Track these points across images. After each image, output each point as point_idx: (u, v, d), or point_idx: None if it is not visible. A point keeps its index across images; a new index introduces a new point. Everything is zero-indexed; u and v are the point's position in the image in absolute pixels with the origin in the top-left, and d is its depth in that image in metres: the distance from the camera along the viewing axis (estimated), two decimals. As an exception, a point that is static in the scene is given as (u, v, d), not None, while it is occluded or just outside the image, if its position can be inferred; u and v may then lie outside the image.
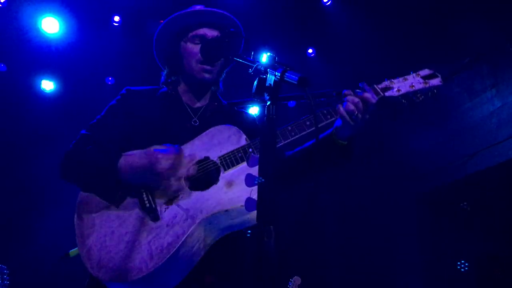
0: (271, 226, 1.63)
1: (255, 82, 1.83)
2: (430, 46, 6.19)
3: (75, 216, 2.36)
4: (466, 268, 6.19)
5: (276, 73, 1.78)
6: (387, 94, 2.45)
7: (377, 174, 7.41)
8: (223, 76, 2.81)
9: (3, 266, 4.32)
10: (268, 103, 1.74)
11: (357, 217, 7.39)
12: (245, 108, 3.05)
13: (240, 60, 2.16)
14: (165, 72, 2.82)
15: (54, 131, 6.73)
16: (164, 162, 2.27)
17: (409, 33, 6.19)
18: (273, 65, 1.83)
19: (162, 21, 2.74)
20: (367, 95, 2.35)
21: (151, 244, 2.19)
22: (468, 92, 6.17)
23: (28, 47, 6.30)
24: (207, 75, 2.64)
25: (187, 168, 2.34)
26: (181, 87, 2.77)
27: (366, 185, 7.40)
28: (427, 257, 6.80)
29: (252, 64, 1.99)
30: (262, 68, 1.86)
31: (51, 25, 6.10)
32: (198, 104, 2.75)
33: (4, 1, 5.86)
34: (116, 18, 6.39)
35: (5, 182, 6.56)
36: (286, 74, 1.75)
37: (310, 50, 7.07)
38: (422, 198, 7.08)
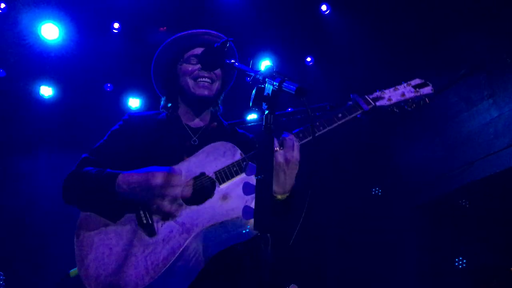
0: (268, 234, 1.65)
1: (253, 92, 1.84)
2: (428, 56, 6.24)
3: (75, 236, 2.40)
4: (464, 265, 6.19)
5: (274, 83, 1.80)
6: (378, 104, 2.48)
7: (375, 183, 7.43)
8: (221, 98, 2.85)
9: (-1, 272, 4.33)
10: (266, 112, 1.76)
11: (356, 226, 7.39)
12: (247, 127, 3.07)
13: (240, 68, 2.18)
14: (164, 98, 2.88)
15: (52, 137, 6.74)
16: (159, 178, 2.30)
17: (407, 43, 6.23)
18: (271, 75, 1.84)
19: (161, 29, 2.79)
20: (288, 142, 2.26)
21: (147, 259, 2.23)
22: (466, 101, 6.20)
23: (27, 53, 6.30)
24: (206, 91, 2.67)
25: (182, 188, 2.36)
26: (181, 109, 2.80)
27: (364, 194, 7.42)
28: (426, 267, 6.80)
29: (251, 73, 2.00)
30: (261, 78, 1.88)
31: (50, 31, 6.11)
32: (197, 124, 2.78)
33: (4, 7, 5.87)
34: (116, 25, 6.41)
35: (3, 187, 6.55)
36: (284, 84, 1.78)
37: (308, 59, 7.11)
38: (420, 208, 7.09)
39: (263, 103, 1.81)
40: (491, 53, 5.71)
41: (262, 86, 1.85)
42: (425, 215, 7.03)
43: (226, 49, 2.48)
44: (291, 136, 2.27)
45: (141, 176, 2.34)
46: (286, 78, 1.80)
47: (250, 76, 2.00)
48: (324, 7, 6.44)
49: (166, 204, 2.32)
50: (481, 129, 5.90)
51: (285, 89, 1.77)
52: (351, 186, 7.48)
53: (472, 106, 6.09)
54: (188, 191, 2.37)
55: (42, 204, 6.43)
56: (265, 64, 6.76)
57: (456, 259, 6.32)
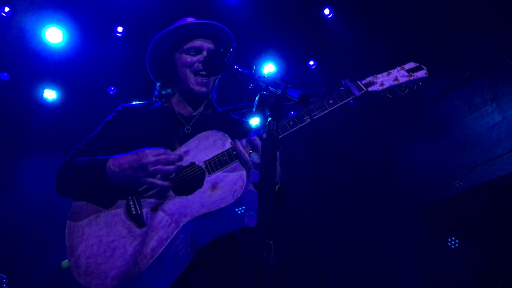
0: (271, 241, 1.64)
1: (257, 98, 1.85)
2: (432, 59, 6.20)
3: (66, 226, 2.40)
4: (456, 245, 6.15)
5: (278, 90, 1.82)
6: (370, 89, 2.48)
7: (377, 187, 7.41)
8: (216, 85, 2.85)
9: (2, 275, 4.33)
10: (269, 119, 1.76)
11: (356, 229, 7.38)
12: (241, 113, 3.06)
13: (244, 74, 2.19)
14: (158, 85, 2.87)
15: (56, 140, 6.76)
16: (150, 156, 2.31)
17: (410, 46, 6.22)
18: (274, 82, 1.85)
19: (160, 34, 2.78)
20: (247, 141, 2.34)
21: (136, 250, 2.22)
22: (469, 105, 6.18)
23: (31, 56, 6.33)
24: (204, 89, 2.68)
25: (174, 167, 2.35)
26: (175, 99, 2.80)
27: (366, 197, 7.40)
28: (426, 271, 6.78)
29: (254, 80, 2.01)
30: (264, 85, 1.89)
31: (54, 35, 6.13)
32: (191, 113, 2.78)
33: (8, 11, 5.89)
34: (119, 29, 6.43)
35: (7, 190, 6.56)
36: (287, 91, 1.80)
37: (311, 62, 7.11)
38: (421, 211, 7.07)
39: (266, 109, 1.82)
40: (494, 56, 5.69)
41: (265, 92, 1.86)
42: (426, 217, 7.01)
43: (229, 54, 2.49)
44: (255, 136, 2.30)
45: (131, 156, 2.35)
46: (289, 86, 1.82)
47: (253, 82, 2.00)
48: (326, 11, 6.45)
49: (158, 181, 2.32)
50: (484, 133, 5.87)
51: (288, 96, 1.79)
52: (352, 186, 7.47)
53: (475, 109, 6.07)
54: (178, 176, 2.37)
55: (46, 207, 6.44)
56: (268, 67, 6.77)
57: (449, 239, 6.28)
